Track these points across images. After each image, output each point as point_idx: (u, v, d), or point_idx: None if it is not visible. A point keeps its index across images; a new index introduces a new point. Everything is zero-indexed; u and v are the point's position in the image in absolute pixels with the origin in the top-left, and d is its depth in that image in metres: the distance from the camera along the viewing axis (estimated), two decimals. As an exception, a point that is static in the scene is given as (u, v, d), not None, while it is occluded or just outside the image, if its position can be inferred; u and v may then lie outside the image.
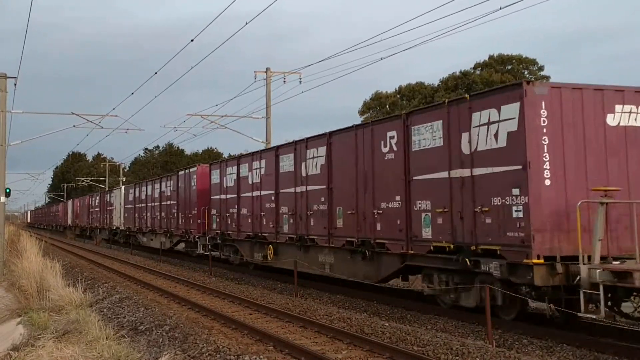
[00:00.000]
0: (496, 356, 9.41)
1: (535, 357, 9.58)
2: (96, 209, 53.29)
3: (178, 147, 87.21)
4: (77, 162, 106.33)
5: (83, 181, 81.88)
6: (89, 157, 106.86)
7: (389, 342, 10.35)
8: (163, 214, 32.87)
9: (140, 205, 38.32)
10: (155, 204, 34.45)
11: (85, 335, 11.11)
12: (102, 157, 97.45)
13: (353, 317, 13.13)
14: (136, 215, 39.26)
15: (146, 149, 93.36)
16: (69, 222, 69.62)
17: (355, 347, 10.32)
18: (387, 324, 12.21)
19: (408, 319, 13.13)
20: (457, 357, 9.40)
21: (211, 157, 79.45)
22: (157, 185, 34.70)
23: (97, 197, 53.75)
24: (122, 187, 44.36)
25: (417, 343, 10.35)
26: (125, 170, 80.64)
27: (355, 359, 9.62)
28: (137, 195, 39.32)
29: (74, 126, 32.50)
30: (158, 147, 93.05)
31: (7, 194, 28.21)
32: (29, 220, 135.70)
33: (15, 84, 27.87)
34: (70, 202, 70.40)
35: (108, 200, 48.60)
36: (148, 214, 36.04)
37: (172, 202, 31.35)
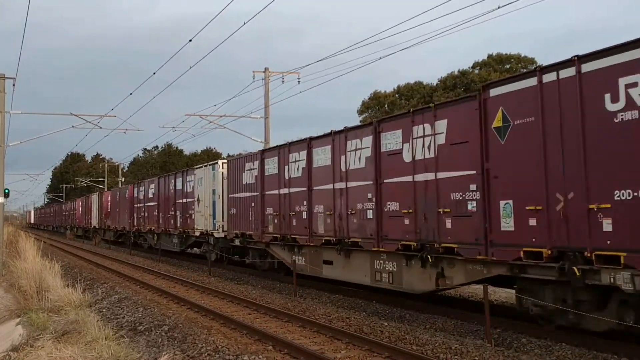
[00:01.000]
0: (495, 355, 9.44)
1: (534, 356, 9.59)
2: (151, 204, 34.50)
3: (177, 147, 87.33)
4: (76, 163, 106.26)
5: (82, 182, 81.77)
6: (88, 158, 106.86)
7: (388, 342, 10.37)
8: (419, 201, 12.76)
9: (290, 190, 18.03)
10: (365, 183, 14.56)
11: (84, 336, 11.11)
12: (100, 157, 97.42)
13: (352, 316, 13.15)
14: (270, 211, 19.26)
15: (145, 149, 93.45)
16: (94, 222, 52.57)
17: (355, 346, 10.34)
18: (385, 324, 12.23)
19: (407, 318, 13.14)
20: (456, 356, 9.42)
21: (210, 157, 79.45)
22: (365, 140, 14.69)
23: (153, 185, 34.40)
24: (222, 162, 24.71)
25: (416, 342, 10.37)
26: (124, 170, 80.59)
27: (354, 359, 9.64)
28: (273, 170, 19.13)
29: (73, 127, 32.53)
30: (157, 147, 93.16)
31: (6, 195, 28.20)
32: (32, 221, 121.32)
33: (13, 85, 27.95)
34: (95, 197, 52.87)
35: (178, 187, 29.73)
36: (345, 208, 15.44)
37: (463, 172, 11.59)
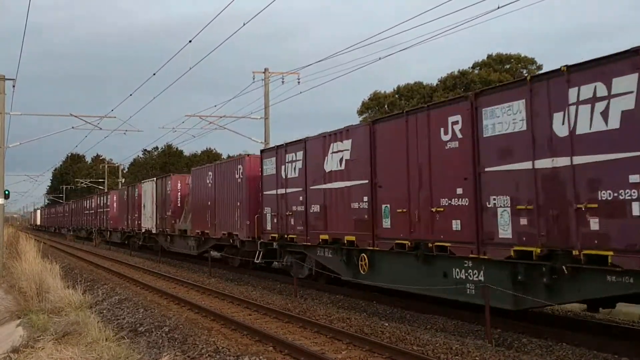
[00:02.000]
0: (495, 355, 9.44)
1: (534, 356, 9.59)
2: (335, 186, 15.88)
3: (177, 148, 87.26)
4: (76, 164, 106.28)
5: (82, 182, 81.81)
6: (88, 159, 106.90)
7: (389, 342, 10.37)
8: None
9: None
10: None
11: (84, 337, 11.11)
12: (101, 158, 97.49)
13: (352, 317, 13.15)
14: None
15: (145, 150, 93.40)
16: (147, 224, 34.58)
17: (355, 347, 10.34)
18: (386, 324, 12.24)
19: (407, 318, 13.14)
20: (456, 357, 9.42)
21: (210, 157, 79.47)
22: None
23: (345, 143, 15.53)
24: None
25: (416, 343, 10.37)
26: (124, 171, 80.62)
27: (355, 359, 9.64)
28: None
29: (73, 127, 32.56)
30: (157, 148, 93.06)
31: (6, 196, 28.20)
32: (38, 222, 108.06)
33: (13, 86, 27.93)
34: (150, 185, 34.47)
35: (510, 128, 10.51)
36: None
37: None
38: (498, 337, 10.80)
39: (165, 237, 31.88)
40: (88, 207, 57.53)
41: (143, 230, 35.66)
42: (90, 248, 45.39)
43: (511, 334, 11.06)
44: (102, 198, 51.35)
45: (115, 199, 45.21)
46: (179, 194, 30.45)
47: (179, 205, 30.24)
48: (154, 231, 33.49)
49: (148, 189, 34.96)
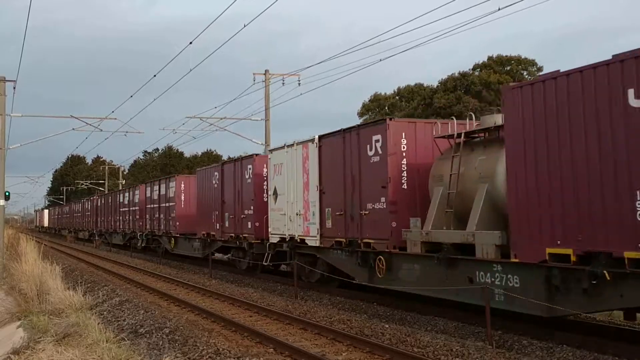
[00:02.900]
0: (496, 357, 9.44)
1: (535, 358, 9.59)
2: None
3: (177, 150, 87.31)
4: (76, 165, 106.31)
5: (82, 184, 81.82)
6: (88, 160, 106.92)
7: (389, 344, 10.37)
8: None
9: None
10: None
11: (85, 338, 11.10)
12: (101, 160, 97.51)
13: (353, 318, 13.15)
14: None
15: (145, 151, 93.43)
16: (281, 227, 19.07)
17: (356, 348, 10.34)
18: (387, 326, 12.23)
19: (408, 320, 13.14)
20: (457, 358, 9.42)
21: (211, 159, 79.48)
22: None
23: None
24: None
25: (417, 344, 10.37)
26: (125, 173, 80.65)
27: (355, 361, 9.63)
28: None
29: (73, 129, 32.59)
30: (157, 149, 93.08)
31: (7, 197, 28.20)
32: (45, 224, 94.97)
33: (14, 87, 27.95)
34: (298, 153, 17.99)
35: None
36: None
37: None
38: (499, 339, 10.79)
39: (366, 260, 14.95)
40: (129, 202, 40.00)
41: (275, 240, 19.79)
42: (90, 249, 45.42)
43: (512, 335, 11.06)
44: (156, 188, 33.99)
45: (185, 188, 30.40)
46: (404, 164, 14.41)
47: (404, 187, 14.39)
48: (314, 243, 17.32)
49: (290, 161, 18.85)
